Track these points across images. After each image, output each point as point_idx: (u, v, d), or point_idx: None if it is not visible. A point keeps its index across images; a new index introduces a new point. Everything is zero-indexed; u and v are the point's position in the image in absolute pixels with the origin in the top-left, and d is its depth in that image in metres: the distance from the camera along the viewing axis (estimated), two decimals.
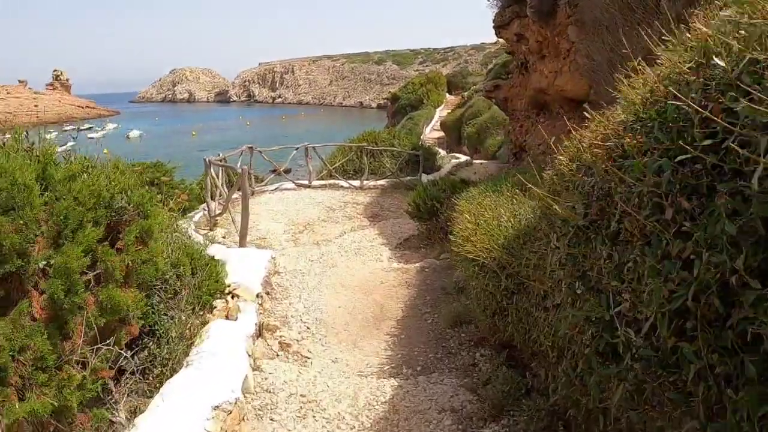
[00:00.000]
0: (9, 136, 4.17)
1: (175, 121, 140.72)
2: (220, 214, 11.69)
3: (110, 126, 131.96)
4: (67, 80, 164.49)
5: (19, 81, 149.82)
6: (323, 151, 17.76)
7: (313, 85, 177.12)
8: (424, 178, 17.14)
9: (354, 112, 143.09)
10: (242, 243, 9.31)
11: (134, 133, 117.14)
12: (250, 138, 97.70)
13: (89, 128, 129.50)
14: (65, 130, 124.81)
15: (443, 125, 46.73)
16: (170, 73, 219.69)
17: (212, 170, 12.11)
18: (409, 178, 17.07)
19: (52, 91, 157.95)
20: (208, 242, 8.12)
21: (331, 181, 16.49)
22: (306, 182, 16.17)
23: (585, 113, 3.38)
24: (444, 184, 9.45)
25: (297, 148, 16.03)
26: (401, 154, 17.89)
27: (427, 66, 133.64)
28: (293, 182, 16.14)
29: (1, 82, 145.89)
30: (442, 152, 29.32)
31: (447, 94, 63.31)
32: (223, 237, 10.63)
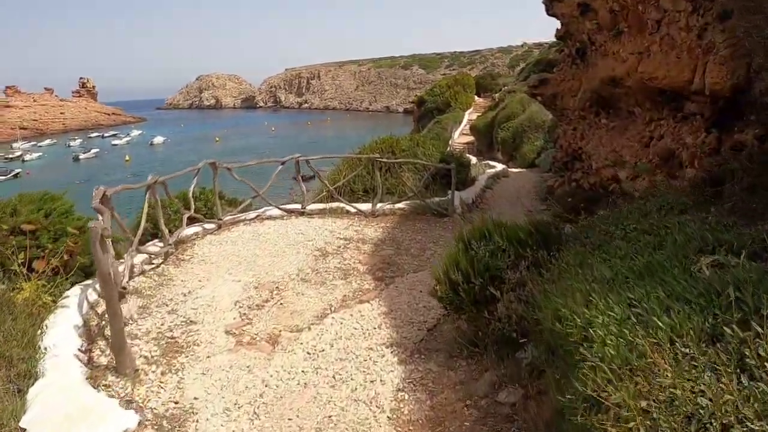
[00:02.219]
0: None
1: (200, 127, 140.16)
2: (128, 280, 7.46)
3: (135, 133, 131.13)
4: (93, 88, 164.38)
5: (46, 89, 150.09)
6: (321, 165, 13.56)
7: (339, 90, 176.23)
8: (457, 198, 12.86)
9: (380, 116, 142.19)
10: (119, 361, 5.05)
11: (158, 140, 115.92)
12: (273, 143, 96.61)
13: (113, 135, 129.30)
14: (90, 137, 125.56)
15: (473, 129, 43.62)
16: (197, 79, 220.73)
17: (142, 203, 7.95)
18: (437, 199, 12.78)
19: (79, 98, 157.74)
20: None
21: (334, 205, 12.26)
22: (299, 207, 11.95)
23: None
24: (507, 240, 5.01)
25: (283, 163, 11.75)
26: (427, 168, 13.63)
27: (453, 69, 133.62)
28: (278, 207, 11.87)
29: (29, 89, 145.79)
30: (473, 159, 25.21)
31: (476, 97, 60.33)
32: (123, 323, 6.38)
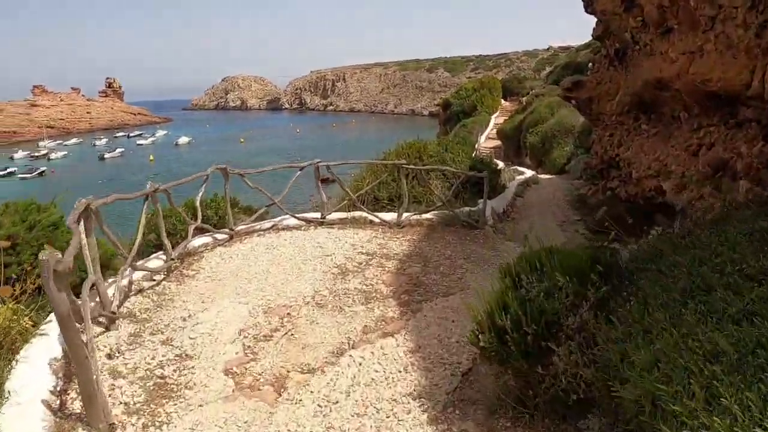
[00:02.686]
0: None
1: (225, 128, 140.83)
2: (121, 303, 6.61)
3: (160, 133, 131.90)
4: (119, 88, 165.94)
5: (72, 89, 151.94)
6: (343, 171, 12.67)
7: (364, 93, 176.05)
8: (488, 207, 11.92)
9: (405, 119, 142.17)
10: (91, 413, 4.15)
11: (183, 140, 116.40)
12: (298, 145, 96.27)
13: (139, 135, 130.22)
14: (116, 137, 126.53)
15: (500, 133, 42.66)
16: (222, 81, 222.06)
17: (144, 211, 7.11)
18: (467, 209, 11.82)
19: (105, 98, 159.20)
20: None
21: (356, 214, 11.35)
22: (318, 216, 11.07)
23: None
24: (563, 274, 4.01)
25: (302, 168, 10.87)
26: (457, 175, 12.69)
27: (479, 73, 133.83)
28: (296, 217, 10.99)
29: (55, 89, 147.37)
30: (500, 164, 24.23)
31: (502, 100, 59.30)
32: (108, 355, 5.50)
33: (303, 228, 10.79)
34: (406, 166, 11.34)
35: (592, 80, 14.96)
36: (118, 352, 5.53)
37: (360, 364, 5.16)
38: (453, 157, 14.35)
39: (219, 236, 9.65)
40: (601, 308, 3.88)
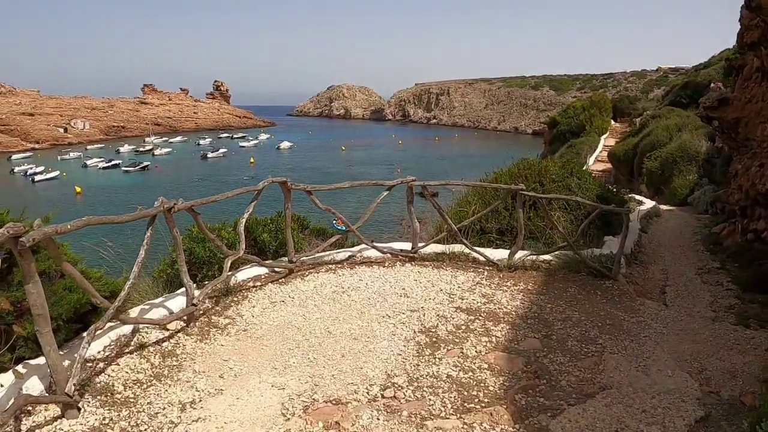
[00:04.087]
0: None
1: (327, 136, 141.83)
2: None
3: (263, 136, 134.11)
4: (226, 91, 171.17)
5: (181, 89, 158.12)
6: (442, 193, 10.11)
7: (468, 108, 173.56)
8: (613, 246, 9.18)
9: (508, 137, 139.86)
10: None
11: (285, 144, 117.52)
12: (400, 157, 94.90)
13: (242, 137, 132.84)
14: (220, 138, 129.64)
15: (611, 156, 39.10)
16: (328, 89, 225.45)
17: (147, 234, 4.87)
18: (596, 251, 9.06)
19: (212, 100, 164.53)
20: None
21: (457, 248, 8.82)
22: (409, 248, 8.61)
23: None
24: None
25: (389, 189, 8.42)
26: (582, 206, 9.97)
27: (585, 92, 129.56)
28: (379, 249, 8.55)
29: (165, 88, 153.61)
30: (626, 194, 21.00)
31: (612, 121, 55.32)
32: None
33: (387, 263, 8.34)
34: (525, 193, 8.66)
35: (740, 97, 12.07)
36: None
37: None
38: (580, 184, 11.51)
39: (277, 267, 7.39)
40: None
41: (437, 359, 5.29)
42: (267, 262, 7.40)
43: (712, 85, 31.01)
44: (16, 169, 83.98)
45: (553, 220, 9.17)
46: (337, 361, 5.12)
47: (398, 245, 8.96)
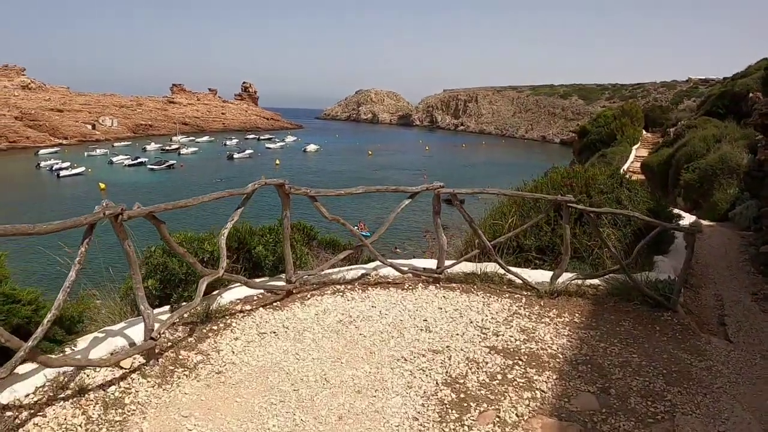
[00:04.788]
0: None
1: (354, 139, 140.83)
2: None
3: (290, 138, 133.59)
4: (254, 92, 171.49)
5: (209, 89, 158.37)
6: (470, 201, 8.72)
7: (496, 115, 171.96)
8: (669, 269, 7.81)
9: (535, 145, 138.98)
10: None
11: (311, 147, 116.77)
12: (427, 163, 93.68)
13: (269, 139, 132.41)
14: (247, 139, 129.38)
15: (645, 167, 37.21)
16: (356, 93, 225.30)
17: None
18: (652, 275, 7.66)
19: (240, 101, 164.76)
20: None
21: (489, 267, 7.46)
22: (433, 266, 7.27)
23: None
24: None
25: (412, 196, 7.09)
26: (632, 222, 8.62)
27: (614, 102, 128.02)
28: (397, 267, 7.19)
29: (193, 89, 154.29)
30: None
31: (643, 131, 53.43)
32: None
33: (407, 285, 7.00)
34: (574, 206, 7.25)
35: None
36: None
37: None
38: (630, 196, 10.06)
39: (275, 284, 6.10)
40: None
41: (466, 428, 3.95)
42: (257, 281, 6.09)
43: (750, 95, 29.45)
44: (42, 164, 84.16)
45: (603, 238, 7.75)
46: (331, 427, 3.81)
47: (421, 262, 7.61)
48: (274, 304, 5.96)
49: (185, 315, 5.04)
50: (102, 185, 65.78)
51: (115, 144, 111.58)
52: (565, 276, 7.33)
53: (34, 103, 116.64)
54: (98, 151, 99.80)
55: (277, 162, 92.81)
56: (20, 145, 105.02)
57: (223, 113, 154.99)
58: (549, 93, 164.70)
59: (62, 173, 76.46)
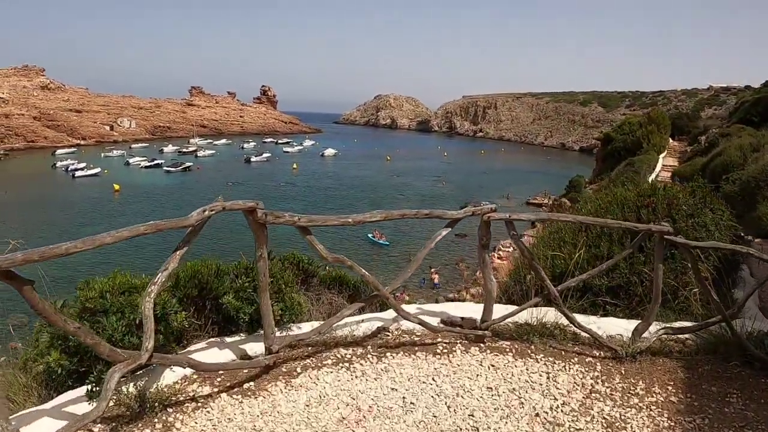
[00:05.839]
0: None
1: (372, 144, 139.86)
2: None
3: (308, 142, 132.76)
4: (273, 96, 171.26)
5: (228, 92, 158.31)
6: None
7: (515, 122, 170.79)
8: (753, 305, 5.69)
9: (554, 153, 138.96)
10: None
11: (329, 152, 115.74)
12: (446, 169, 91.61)
13: (287, 142, 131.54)
14: (265, 142, 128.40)
15: (677, 177, 35.10)
16: (375, 98, 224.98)
17: None
18: (755, 328, 5.57)
19: (259, 104, 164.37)
20: None
21: (549, 317, 5.43)
22: (474, 316, 5.25)
23: None
24: None
25: (451, 225, 5.00)
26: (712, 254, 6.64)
27: (634, 109, 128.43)
28: (424, 323, 5.13)
29: (212, 92, 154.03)
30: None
31: (669, 139, 51.48)
32: None
33: (441, 348, 4.98)
34: (673, 239, 5.18)
35: None
36: None
37: None
38: (714, 218, 7.97)
39: (253, 347, 4.15)
40: None
41: None
42: (227, 340, 4.11)
43: None
44: (59, 164, 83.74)
45: (702, 281, 5.67)
46: None
47: (457, 310, 5.61)
48: (246, 385, 3.97)
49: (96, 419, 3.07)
50: (116, 186, 64.85)
51: (133, 145, 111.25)
52: (654, 328, 5.33)
53: (52, 103, 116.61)
54: (115, 152, 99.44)
55: (295, 166, 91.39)
56: (38, 145, 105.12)
57: (241, 116, 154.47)
58: (569, 100, 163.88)
59: (78, 174, 76.00)
